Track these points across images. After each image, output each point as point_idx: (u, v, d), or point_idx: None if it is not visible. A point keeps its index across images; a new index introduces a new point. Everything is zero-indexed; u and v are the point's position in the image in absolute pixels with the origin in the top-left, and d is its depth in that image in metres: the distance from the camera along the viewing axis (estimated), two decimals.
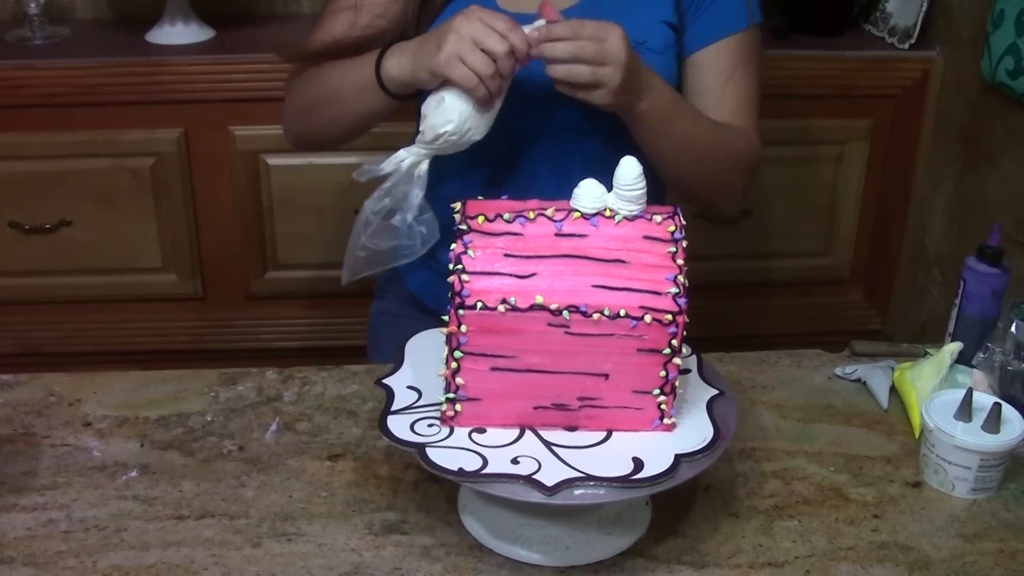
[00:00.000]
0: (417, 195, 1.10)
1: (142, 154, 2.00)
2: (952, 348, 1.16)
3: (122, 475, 1.05)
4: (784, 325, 2.30)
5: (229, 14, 2.17)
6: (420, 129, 1.10)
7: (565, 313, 0.89)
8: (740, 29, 1.25)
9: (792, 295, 2.29)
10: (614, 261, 0.92)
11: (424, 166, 1.11)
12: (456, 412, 0.94)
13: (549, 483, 0.87)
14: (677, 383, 0.94)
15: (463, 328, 0.90)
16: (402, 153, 1.10)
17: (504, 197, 0.97)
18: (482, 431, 0.95)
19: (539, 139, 1.24)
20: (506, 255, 0.92)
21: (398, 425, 0.94)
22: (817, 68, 2.09)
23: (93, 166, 1.99)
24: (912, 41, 2.09)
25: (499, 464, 0.90)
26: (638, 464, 0.90)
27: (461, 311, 0.90)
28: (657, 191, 1.20)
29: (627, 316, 0.89)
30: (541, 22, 1.07)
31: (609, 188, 0.94)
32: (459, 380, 0.93)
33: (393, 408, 0.97)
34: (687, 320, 0.91)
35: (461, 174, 1.28)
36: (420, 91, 1.14)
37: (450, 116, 1.07)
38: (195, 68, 1.95)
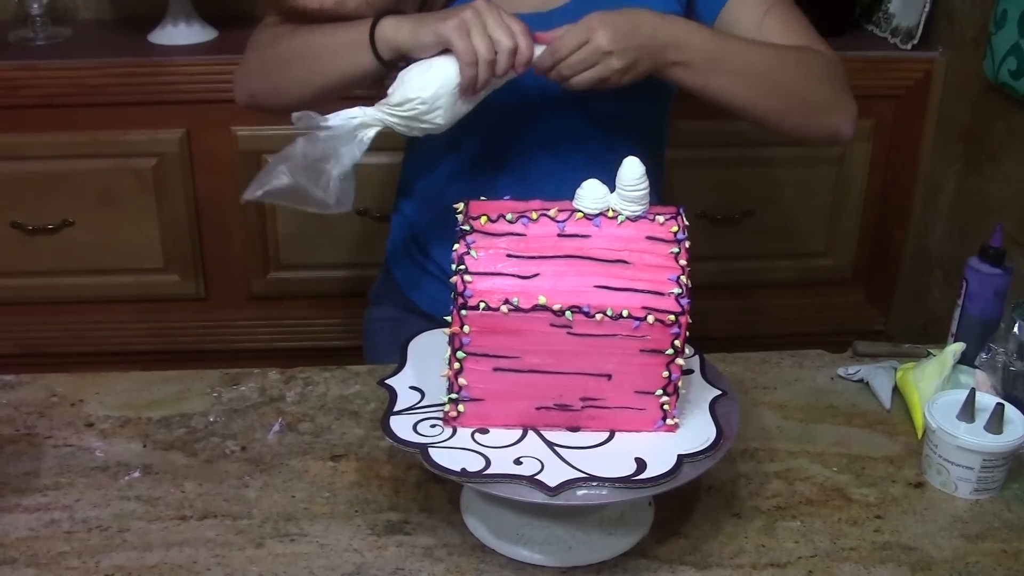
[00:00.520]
0: (352, 156, 1.06)
1: (144, 154, 2.00)
2: (954, 348, 1.16)
3: (124, 475, 1.05)
4: (786, 325, 2.29)
5: (231, 14, 2.17)
6: (388, 92, 1.08)
7: (568, 314, 0.89)
8: None
9: (794, 295, 2.29)
10: (617, 261, 0.92)
11: (371, 134, 1.07)
12: (459, 412, 0.94)
13: (552, 484, 0.87)
14: (680, 383, 0.94)
15: (466, 328, 0.90)
16: (356, 111, 1.06)
17: (507, 198, 0.97)
18: (485, 432, 0.95)
19: (541, 140, 1.24)
20: (509, 256, 0.92)
21: (401, 425, 0.94)
22: None
23: (95, 166, 1.99)
24: (914, 41, 2.09)
25: (502, 465, 0.90)
26: (641, 465, 0.90)
27: (464, 311, 0.90)
28: (658, 191, 1.20)
29: (630, 317, 0.89)
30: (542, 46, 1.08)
31: (612, 188, 0.94)
32: (462, 380, 0.93)
33: (396, 409, 0.97)
34: (689, 320, 0.91)
35: (462, 175, 1.28)
36: (403, 63, 1.11)
37: (428, 85, 1.05)
38: (197, 68, 1.95)
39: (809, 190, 2.18)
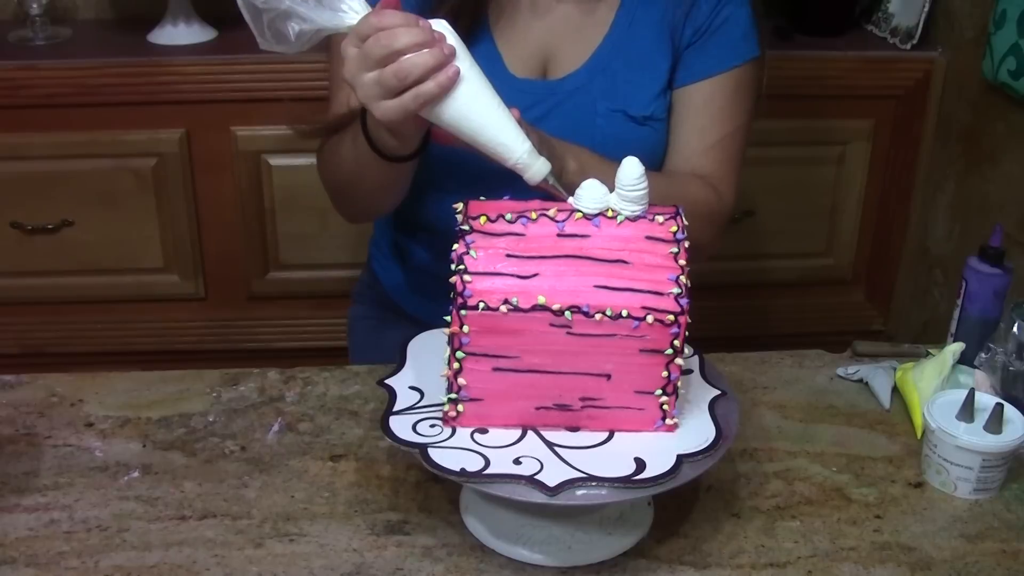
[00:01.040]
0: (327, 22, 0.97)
1: (144, 154, 2.00)
2: (954, 348, 1.16)
3: (124, 475, 1.05)
4: (786, 325, 2.30)
5: (231, 14, 2.14)
6: None
7: (567, 313, 0.89)
8: (733, 66, 1.19)
9: (794, 295, 2.29)
10: (616, 261, 0.92)
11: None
12: (458, 412, 0.94)
13: (551, 483, 0.87)
14: (679, 383, 0.94)
15: (465, 328, 0.90)
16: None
17: (506, 197, 0.97)
18: (484, 431, 0.94)
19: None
20: (508, 255, 0.92)
21: (400, 425, 0.94)
22: (819, 68, 2.09)
23: (95, 166, 2.00)
24: (914, 41, 2.09)
25: (501, 464, 0.90)
26: (640, 464, 0.90)
27: (463, 311, 0.90)
28: None
29: (629, 316, 0.89)
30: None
31: (611, 189, 0.94)
32: (461, 380, 0.93)
33: (395, 408, 0.97)
34: (689, 320, 0.91)
35: (461, 176, 1.27)
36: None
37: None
38: (197, 68, 1.95)
39: (809, 190, 2.18)
